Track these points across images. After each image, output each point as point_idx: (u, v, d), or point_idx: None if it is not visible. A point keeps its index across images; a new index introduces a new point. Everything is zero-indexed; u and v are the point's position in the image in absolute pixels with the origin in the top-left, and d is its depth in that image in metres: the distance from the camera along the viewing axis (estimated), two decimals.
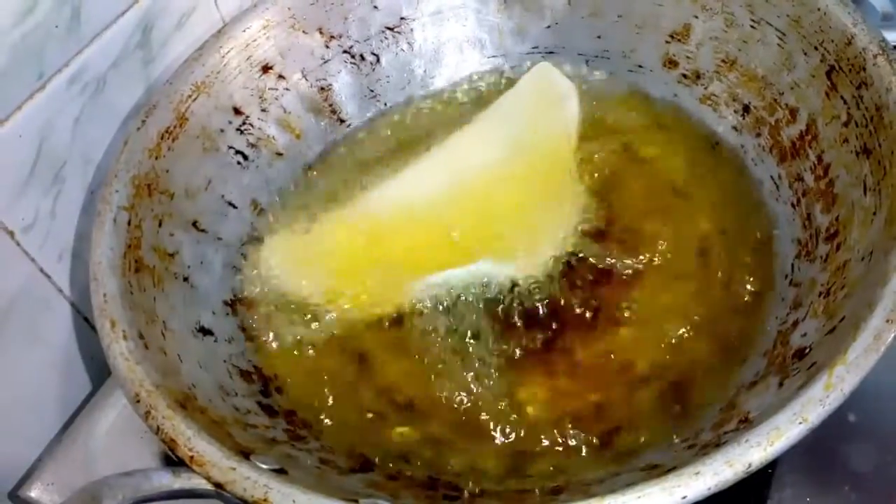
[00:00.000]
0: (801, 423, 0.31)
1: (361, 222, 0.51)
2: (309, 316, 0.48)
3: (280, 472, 0.33)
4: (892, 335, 0.33)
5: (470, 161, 0.53)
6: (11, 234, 0.45)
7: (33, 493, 0.45)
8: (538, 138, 0.54)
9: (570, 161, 0.52)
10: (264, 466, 0.33)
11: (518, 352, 0.45)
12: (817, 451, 0.44)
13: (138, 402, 0.35)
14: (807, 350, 0.38)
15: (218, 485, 0.32)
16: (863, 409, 0.45)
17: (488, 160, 0.53)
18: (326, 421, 0.43)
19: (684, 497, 0.30)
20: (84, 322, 0.51)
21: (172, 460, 0.34)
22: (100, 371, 0.52)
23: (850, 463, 0.44)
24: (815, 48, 0.46)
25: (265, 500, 0.31)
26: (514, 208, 0.50)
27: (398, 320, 0.47)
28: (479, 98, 0.59)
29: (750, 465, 0.30)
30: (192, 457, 0.33)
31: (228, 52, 0.52)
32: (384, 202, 0.52)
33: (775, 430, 0.31)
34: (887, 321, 0.33)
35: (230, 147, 0.52)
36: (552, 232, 0.49)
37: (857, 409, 0.45)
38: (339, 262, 0.49)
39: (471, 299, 0.47)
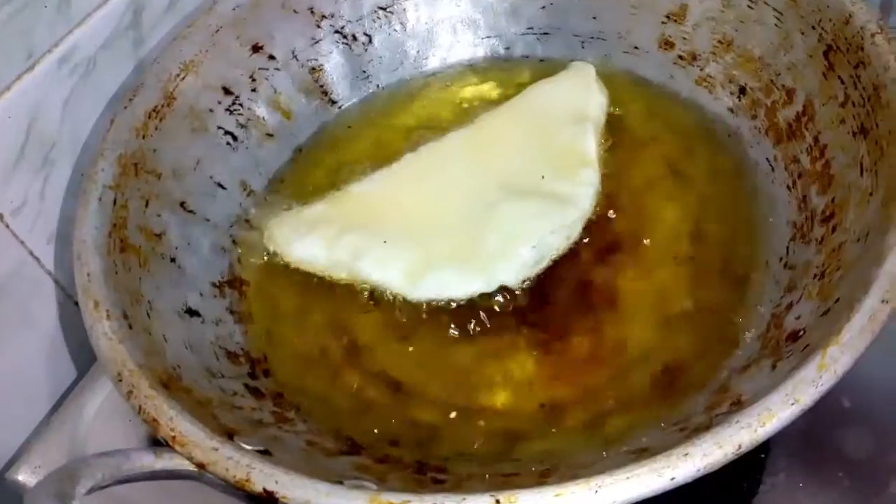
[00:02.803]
0: (793, 403, 0.31)
1: (365, 200, 0.51)
2: (299, 298, 0.47)
3: (265, 453, 0.33)
4: (887, 316, 0.33)
5: (484, 155, 0.52)
6: (0, 216, 0.45)
7: (20, 477, 0.45)
8: (557, 146, 0.52)
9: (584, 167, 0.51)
10: (248, 448, 0.33)
11: (508, 335, 0.44)
12: (811, 436, 0.44)
13: (120, 381, 0.35)
14: (801, 332, 0.37)
15: (200, 465, 0.32)
16: (857, 394, 0.45)
17: (502, 157, 0.52)
18: (314, 404, 0.42)
19: (673, 478, 0.29)
20: (74, 306, 0.51)
21: (159, 444, 0.34)
22: (89, 355, 0.52)
23: (845, 449, 0.44)
24: (813, 27, 0.46)
25: (247, 480, 0.31)
26: (522, 209, 0.49)
27: (389, 303, 0.46)
28: (475, 79, 0.58)
29: (740, 447, 0.30)
30: (174, 437, 0.32)
31: (218, 30, 0.51)
32: (387, 185, 0.52)
33: (767, 411, 0.30)
34: (883, 301, 0.33)
35: (219, 127, 0.51)
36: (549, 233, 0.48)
37: (852, 394, 0.45)
38: (342, 238, 0.48)
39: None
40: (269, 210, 0.52)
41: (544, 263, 0.46)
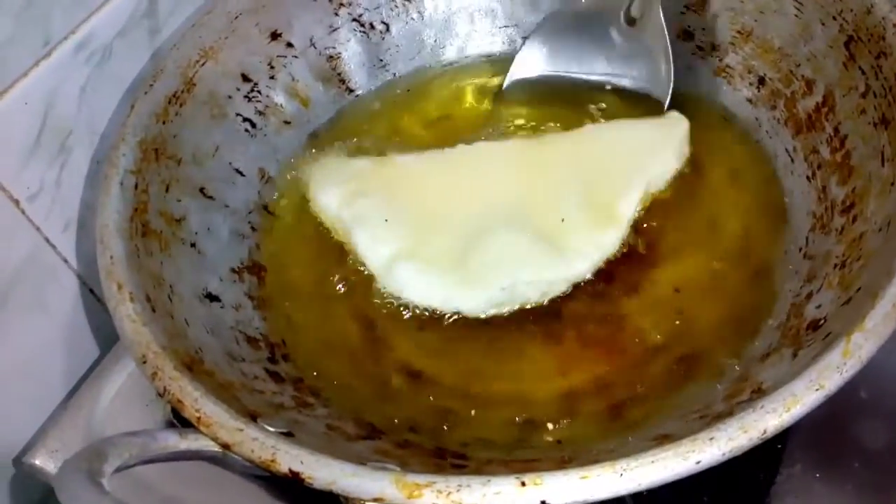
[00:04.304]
0: (818, 389, 0.31)
1: (399, 173, 0.51)
2: (317, 285, 0.47)
3: (287, 435, 0.33)
4: None
5: (528, 174, 0.50)
6: (17, 202, 0.45)
7: (37, 460, 0.45)
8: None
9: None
10: (272, 430, 0.33)
11: (526, 324, 0.44)
12: (828, 427, 0.44)
13: (145, 363, 0.35)
14: (821, 321, 0.37)
15: (225, 446, 0.32)
16: (875, 385, 0.45)
17: (541, 184, 0.49)
18: (334, 389, 0.42)
19: (698, 462, 0.29)
20: (89, 293, 0.51)
21: (176, 428, 0.34)
22: (105, 341, 0.52)
23: (861, 439, 0.44)
24: (834, 18, 0.45)
25: (273, 460, 0.31)
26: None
27: None
28: (492, 69, 0.58)
29: (765, 432, 0.30)
30: (199, 417, 0.32)
31: (237, 17, 0.51)
32: (425, 167, 0.51)
33: (791, 396, 0.30)
34: None
35: (238, 114, 0.51)
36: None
37: (869, 386, 0.45)
38: (356, 201, 0.49)
39: None
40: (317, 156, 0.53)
41: (508, 308, 0.45)
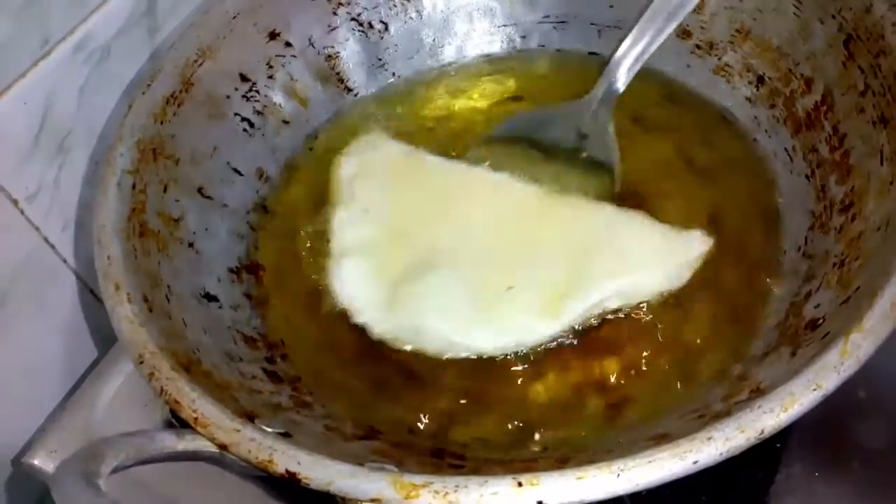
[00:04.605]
0: (815, 389, 0.31)
1: (416, 171, 0.51)
2: (314, 284, 0.47)
3: (285, 435, 0.33)
4: None
5: (525, 225, 0.47)
6: (16, 202, 0.45)
7: (36, 461, 0.45)
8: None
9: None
10: (269, 430, 0.33)
11: None
12: (827, 426, 0.44)
13: (142, 363, 0.35)
14: (820, 321, 0.37)
15: (222, 446, 0.32)
16: (873, 385, 0.45)
17: (526, 242, 0.46)
18: (331, 389, 0.42)
19: (696, 462, 0.29)
20: (89, 293, 0.51)
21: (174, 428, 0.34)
22: (104, 341, 0.52)
23: (861, 439, 0.44)
24: (833, 17, 0.45)
25: (270, 461, 0.31)
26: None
27: None
28: (491, 69, 0.58)
29: (763, 432, 0.30)
30: (196, 418, 0.32)
31: (235, 16, 0.51)
32: (440, 174, 0.50)
33: (789, 396, 0.30)
34: None
35: (236, 114, 0.51)
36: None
37: (868, 385, 0.45)
38: (364, 182, 0.50)
39: None
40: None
41: (404, 346, 0.43)
